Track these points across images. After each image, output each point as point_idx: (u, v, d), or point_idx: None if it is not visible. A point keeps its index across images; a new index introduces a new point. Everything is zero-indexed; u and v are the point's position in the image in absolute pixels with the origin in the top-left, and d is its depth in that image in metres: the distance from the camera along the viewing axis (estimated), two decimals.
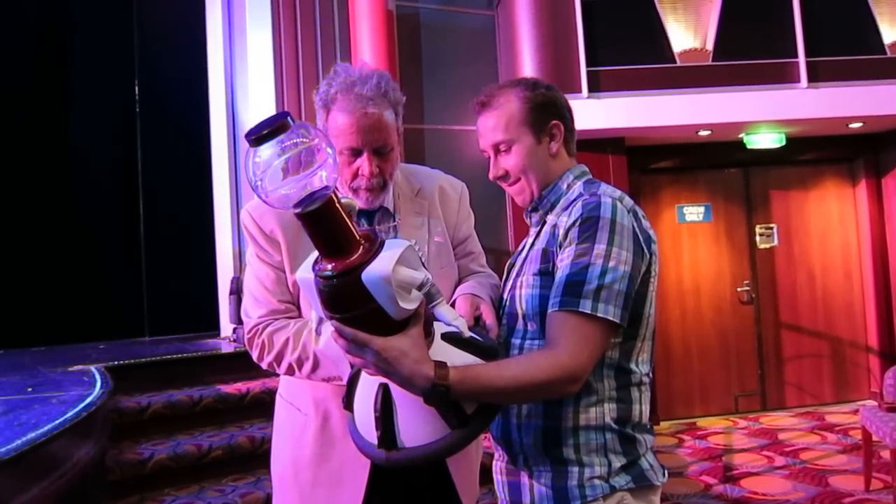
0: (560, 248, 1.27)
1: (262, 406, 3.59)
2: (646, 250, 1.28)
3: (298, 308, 1.55)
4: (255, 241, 1.56)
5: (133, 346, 4.92)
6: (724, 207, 6.07)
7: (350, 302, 1.03)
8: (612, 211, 1.25)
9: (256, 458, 3.32)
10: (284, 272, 1.54)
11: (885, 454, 4.13)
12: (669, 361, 5.86)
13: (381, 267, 1.00)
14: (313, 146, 0.99)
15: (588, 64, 5.06)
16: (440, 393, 1.08)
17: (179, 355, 4.07)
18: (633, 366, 1.31)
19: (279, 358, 1.49)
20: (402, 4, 5.58)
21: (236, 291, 4.73)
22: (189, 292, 5.30)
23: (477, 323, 1.37)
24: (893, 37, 5.25)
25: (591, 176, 1.43)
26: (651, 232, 1.32)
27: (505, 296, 1.43)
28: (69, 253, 5.46)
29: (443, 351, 1.14)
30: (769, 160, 5.94)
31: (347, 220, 1.03)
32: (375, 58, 5.19)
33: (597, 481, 1.26)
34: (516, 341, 1.34)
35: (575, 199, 1.31)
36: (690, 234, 6.03)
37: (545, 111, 1.38)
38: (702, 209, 6.05)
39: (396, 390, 1.13)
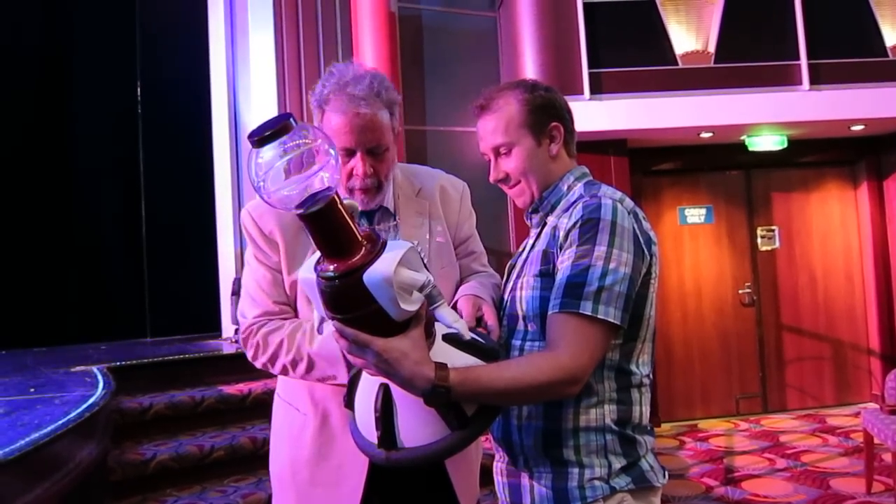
0: (560, 250, 1.27)
1: (264, 407, 3.59)
2: (646, 252, 1.28)
3: (295, 309, 1.56)
4: (254, 241, 1.56)
5: (135, 347, 4.92)
6: (725, 209, 6.07)
7: (351, 303, 1.03)
8: (613, 213, 1.25)
9: (258, 459, 3.32)
10: (281, 273, 1.54)
11: (887, 457, 4.12)
12: (671, 363, 5.85)
13: (382, 269, 1.01)
14: (316, 147, 1.00)
15: (590, 66, 5.07)
16: (440, 394, 1.08)
17: (181, 356, 4.07)
18: (633, 367, 1.31)
19: (273, 359, 1.50)
20: (404, 6, 5.59)
21: (237, 292, 4.73)
22: (190, 293, 5.31)
23: (479, 323, 1.37)
24: (895, 39, 5.26)
25: (591, 177, 1.43)
26: (651, 233, 1.32)
27: (505, 297, 1.43)
28: (71, 254, 5.47)
29: (444, 352, 1.14)
30: (771, 162, 5.94)
31: (350, 222, 1.03)
32: (377, 59, 5.20)
33: (597, 482, 1.27)
34: (517, 342, 1.35)
35: (575, 201, 1.31)
36: (692, 235, 6.03)
37: (544, 113, 1.39)
38: (703, 211, 6.05)
39: (397, 391, 1.13)
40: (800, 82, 5.15)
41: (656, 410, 5.62)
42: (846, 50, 5.22)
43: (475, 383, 1.12)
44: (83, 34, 5.78)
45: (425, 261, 1.13)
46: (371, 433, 1.18)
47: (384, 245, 1.05)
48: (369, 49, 5.21)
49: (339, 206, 1.02)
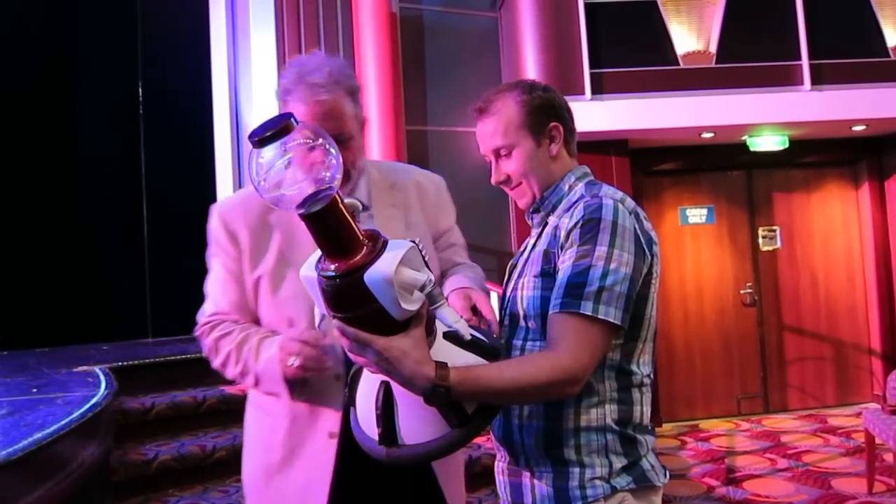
0: (561, 250, 1.28)
1: None
2: (647, 252, 1.28)
3: (249, 311, 1.56)
4: (216, 240, 1.58)
5: (136, 347, 4.92)
6: (726, 210, 6.07)
7: (352, 302, 1.04)
8: (614, 213, 1.25)
9: None
10: (240, 274, 1.55)
11: (888, 457, 4.12)
12: (672, 363, 5.86)
13: (383, 268, 1.00)
14: (317, 147, 1.00)
15: (591, 66, 5.07)
16: (440, 393, 1.08)
17: (183, 356, 4.07)
18: (634, 367, 1.32)
19: (224, 366, 1.53)
20: (405, 6, 5.60)
21: None
22: (192, 293, 5.29)
23: (474, 312, 1.37)
24: None
25: (592, 177, 1.43)
26: (653, 233, 1.32)
27: (506, 296, 1.44)
28: (72, 254, 5.47)
29: (445, 350, 1.15)
30: (772, 163, 5.94)
31: (351, 221, 1.03)
32: (378, 59, 5.20)
33: (598, 482, 1.27)
34: (518, 342, 1.35)
35: (577, 201, 1.31)
36: (693, 236, 6.03)
37: (543, 113, 1.39)
38: (705, 211, 6.05)
39: (398, 388, 1.13)
40: (801, 82, 5.14)
41: (657, 410, 5.62)
42: (847, 50, 5.22)
43: (475, 382, 1.12)
44: (85, 34, 5.79)
45: (426, 258, 1.14)
46: (372, 429, 1.19)
47: (385, 244, 1.05)
48: (370, 49, 5.21)
49: (341, 205, 1.02)
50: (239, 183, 5.24)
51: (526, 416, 1.32)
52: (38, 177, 5.46)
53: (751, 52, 5.21)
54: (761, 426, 5.55)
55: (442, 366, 1.09)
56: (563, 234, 1.28)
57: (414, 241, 1.11)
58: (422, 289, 1.05)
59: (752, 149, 5.69)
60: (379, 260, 1.01)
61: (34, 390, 3.01)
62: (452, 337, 1.17)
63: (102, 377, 3.24)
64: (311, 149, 1.00)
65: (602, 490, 1.26)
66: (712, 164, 5.96)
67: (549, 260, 1.30)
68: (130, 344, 5.18)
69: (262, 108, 5.14)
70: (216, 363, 1.55)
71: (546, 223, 1.39)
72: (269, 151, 0.97)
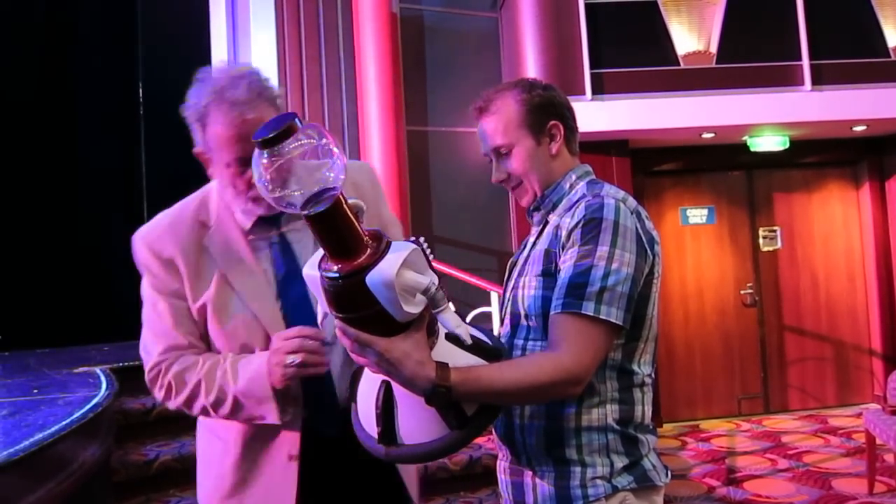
0: (563, 249, 1.27)
1: None
2: (649, 252, 1.28)
3: (207, 339, 1.45)
4: (150, 270, 1.45)
5: (137, 348, 4.91)
6: (727, 210, 6.07)
7: (354, 303, 1.04)
8: (615, 212, 1.25)
9: None
10: (185, 301, 1.43)
11: (889, 458, 4.12)
12: (672, 364, 5.85)
13: (385, 271, 1.00)
14: (321, 147, 0.99)
15: (592, 66, 5.07)
16: (441, 394, 1.09)
17: None
18: (635, 367, 1.32)
19: (191, 401, 1.40)
20: (405, 7, 5.60)
21: None
22: None
23: None
24: None
25: (593, 176, 1.43)
26: (654, 233, 1.32)
27: (507, 295, 1.44)
28: (73, 255, 5.47)
29: (447, 351, 1.15)
30: (773, 163, 5.94)
31: (354, 221, 1.03)
32: (379, 60, 5.21)
33: (599, 481, 1.27)
34: (519, 342, 1.35)
35: (578, 200, 1.31)
36: (694, 236, 6.03)
37: (543, 112, 1.38)
38: (705, 211, 6.05)
39: (398, 388, 1.14)
40: (802, 83, 5.14)
41: (658, 411, 5.62)
42: (848, 50, 5.22)
43: (476, 383, 1.12)
44: (84, 34, 5.79)
45: (430, 257, 1.13)
46: (372, 428, 1.19)
47: (389, 245, 1.04)
48: (371, 50, 5.21)
49: (345, 205, 1.02)
50: None
51: (528, 416, 1.32)
52: (39, 177, 5.46)
53: (751, 52, 5.21)
54: (762, 426, 5.55)
55: (442, 366, 1.10)
56: (564, 233, 1.28)
57: (418, 242, 1.11)
58: (424, 292, 1.05)
59: (752, 149, 5.69)
60: (381, 262, 1.01)
61: (35, 391, 3.02)
62: (454, 338, 1.17)
63: (103, 378, 3.24)
64: (314, 149, 0.98)
65: (603, 489, 1.27)
66: (713, 164, 5.96)
67: (550, 259, 1.30)
68: (131, 345, 5.15)
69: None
70: (178, 401, 1.41)
71: (547, 221, 1.39)
72: (273, 152, 0.97)
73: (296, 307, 1.43)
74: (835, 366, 6.05)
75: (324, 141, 1.00)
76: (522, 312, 1.34)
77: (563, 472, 1.29)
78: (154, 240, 1.46)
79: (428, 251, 1.14)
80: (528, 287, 1.33)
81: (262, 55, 5.30)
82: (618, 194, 1.31)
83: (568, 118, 1.42)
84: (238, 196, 1.41)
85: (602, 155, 5.27)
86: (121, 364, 3.78)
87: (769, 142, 5.64)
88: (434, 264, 1.18)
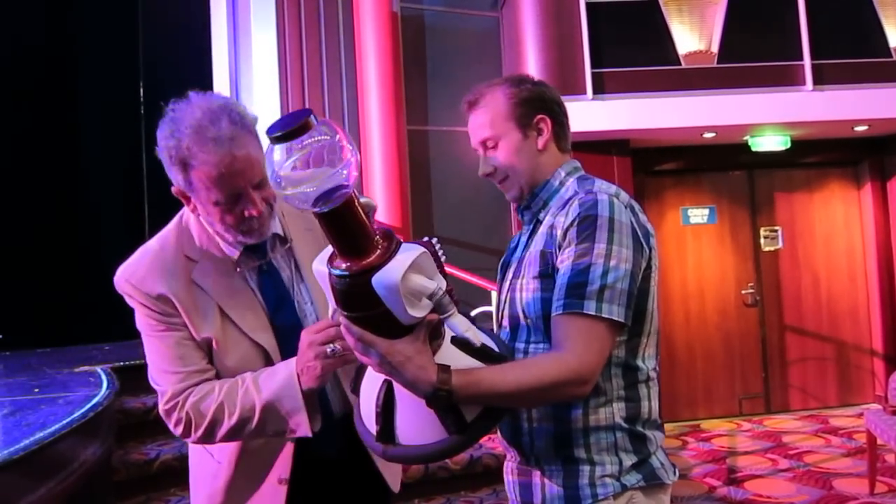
0: (559, 249, 1.26)
1: None
2: (644, 245, 1.27)
3: (212, 363, 1.41)
4: (144, 306, 1.40)
5: (138, 348, 4.90)
6: (728, 210, 6.07)
7: (360, 303, 1.03)
8: (610, 208, 1.24)
9: None
10: (187, 329, 1.38)
11: (890, 458, 4.12)
12: (673, 363, 5.85)
13: (392, 273, 1.00)
14: (335, 144, 0.98)
15: (593, 66, 5.06)
16: (442, 397, 1.08)
17: None
18: (639, 363, 1.31)
19: (212, 429, 1.35)
20: (406, 6, 5.59)
21: None
22: None
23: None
24: None
25: (583, 172, 1.42)
26: (649, 226, 1.32)
27: (503, 297, 1.42)
28: (74, 254, 5.47)
29: (451, 355, 1.14)
30: (774, 163, 5.93)
31: (365, 221, 1.02)
32: (379, 59, 5.20)
33: (608, 480, 1.27)
34: (520, 345, 1.34)
35: (571, 198, 1.30)
36: (695, 236, 6.02)
37: (531, 106, 1.37)
38: (706, 211, 6.04)
39: (399, 388, 1.13)
40: (803, 82, 5.14)
41: (659, 410, 5.61)
42: (850, 50, 5.21)
43: (477, 386, 1.11)
44: (85, 34, 5.79)
45: (443, 259, 1.13)
46: (372, 424, 1.19)
47: (399, 246, 1.04)
48: (371, 49, 5.21)
49: (357, 204, 1.01)
50: None
51: (535, 420, 1.31)
52: (40, 177, 5.46)
53: (753, 51, 5.20)
54: (763, 426, 5.54)
55: (444, 369, 1.09)
56: (559, 232, 1.27)
57: (431, 244, 1.10)
58: (430, 297, 1.04)
59: (753, 149, 5.69)
60: (389, 264, 1.00)
61: (36, 390, 3.02)
62: (460, 343, 1.16)
63: (104, 377, 3.24)
64: (329, 146, 0.97)
65: (612, 488, 1.26)
66: (714, 164, 5.96)
67: (546, 261, 1.29)
68: (132, 344, 5.16)
69: (263, 107, 5.14)
70: (198, 434, 1.35)
71: (538, 221, 1.38)
72: (287, 148, 0.96)
73: (289, 332, 1.41)
74: (836, 366, 6.05)
75: (337, 138, 0.99)
76: (521, 315, 1.32)
77: (572, 472, 1.28)
78: (140, 279, 1.40)
79: (441, 253, 1.13)
80: (525, 289, 1.32)
81: (263, 55, 5.30)
82: (610, 189, 1.30)
83: (558, 114, 1.40)
84: (228, 231, 1.38)
85: (603, 154, 5.26)
86: (122, 363, 3.79)
87: (770, 141, 5.64)
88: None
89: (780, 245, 6.07)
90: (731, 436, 5.34)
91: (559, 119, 1.40)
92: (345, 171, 0.98)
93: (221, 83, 5.41)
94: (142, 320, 1.43)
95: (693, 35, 5.22)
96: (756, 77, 5.14)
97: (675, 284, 5.87)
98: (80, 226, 5.59)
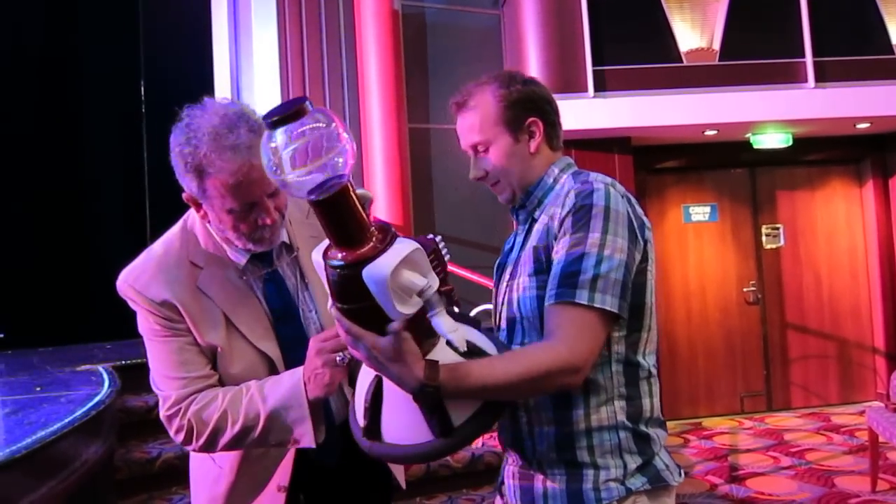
0: (556, 240, 1.25)
1: None
2: (640, 237, 1.25)
3: (215, 368, 1.40)
4: (149, 311, 1.38)
5: (139, 347, 4.90)
6: (730, 207, 6.06)
7: (350, 295, 1.02)
8: (606, 198, 1.22)
9: None
10: (191, 335, 1.37)
11: (892, 455, 4.12)
12: (675, 361, 5.84)
13: (381, 267, 0.99)
14: (332, 131, 0.97)
15: (594, 63, 5.05)
16: (429, 393, 1.06)
17: None
18: (640, 359, 1.29)
19: (214, 436, 1.33)
20: (407, 4, 5.59)
21: None
22: None
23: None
24: None
25: (576, 168, 1.39)
26: (645, 218, 1.29)
27: (499, 299, 1.41)
28: (76, 253, 5.47)
29: (445, 355, 1.13)
30: (776, 160, 5.92)
31: (360, 211, 1.01)
32: (381, 57, 5.20)
33: (612, 484, 1.24)
34: (517, 347, 1.32)
35: (568, 192, 1.28)
36: (696, 234, 6.01)
37: (522, 108, 1.34)
38: (708, 209, 6.03)
39: (388, 386, 1.13)
40: (805, 80, 5.13)
41: (660, 409, 5.61)
42: (852, 47, 5.19)
43: (465, 380, 1.09)
44: (86, 33, 5.78)
45: (447, 256, 1.12)
46: (361, 418, 1.19)
47: (394, 239, 1.03)
48: (372, 47, 5.21)
49: (352, 194, 1.00)
50: None
51: (535, 423, 1.29)
52: (41, 176, 5.46)
53: (754, 49, 5.19)
54: (764, 424, 5.54)
55: (431, 365, 1.07)
56: (556, 224, 1.25)
57: (434, 242, 1.09)
58: (419, 293, 1.03)
59: (755, 146, 5.68)
60: (381, 257, 0.99)
61: (38, 389, 3.02)
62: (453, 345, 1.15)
63: (106, 376, 3.24)
64: (325, 134, 0.96)
65: (617, 492, 1.24)
66: (715, 161, 5.95)
67: (539, 257, 1.27)
68: (134, 343, 5.16)
69: (264, 106, 5.13)
70: (199, 442, 1.34)
71: (534, 219, 1.36)
72: (282, 134, 0.95)
73: (293, 342, 1.41)
74: (838, 363, 6.04)
75: (333, 126, 0.97)
76: (518, 315, 1.31)
77: (576, 476, 1.26)
78: (145, 285, 1.38)
79: (445, 251, 1.12)
80: (521, 288, 1.30)
81: (264, 53, 5.30)
82: (606, 179, 1.28)
83: (549, 113, 1.37)
84: (239, 238, 1.36)
85: (604, 152, 5.25)
86: (123, 362, 3.79)
87: (772, 139, 5.62)
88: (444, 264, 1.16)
89: (782, 243, 6.07)
90: (732, 433, 5.34)
91: (550, 119, 1.37)
92: (340, 160, 0.97)
93: (222, 82, 5.41)
94: (145, 325, 1.41)
95: (695, 32, 5.21)
96: (758, 74, 5.13)
97: (676, 282, 5.87)
98: (82, 225, 5.60)
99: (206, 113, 1.31)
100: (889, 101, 5.12)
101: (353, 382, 1.26)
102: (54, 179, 5.53)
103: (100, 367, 3.49)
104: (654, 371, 1.33)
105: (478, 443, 3.63)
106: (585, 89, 5.01)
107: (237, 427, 1.32)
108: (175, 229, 1.48)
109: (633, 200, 1.29)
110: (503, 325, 1.37)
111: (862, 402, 5.90)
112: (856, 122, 5.42)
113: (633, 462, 1.26)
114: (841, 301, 6.07)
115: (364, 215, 1.02)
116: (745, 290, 5.99)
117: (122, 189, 5.87)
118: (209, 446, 1.36)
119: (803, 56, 5.13)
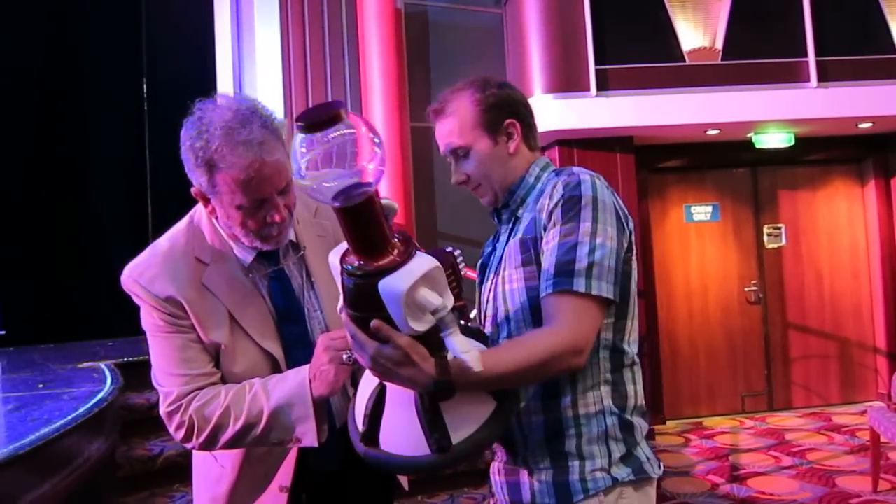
0: (545, 231, 1.27)
1: None
2: (625, 226, 1.29)
3: (218, 366, 1.39)
4: (153, 307, 1.37)
5: (142, 344, 4.92)
6: (731, 207, 6.05)
7: (363, 304, 1.02)
8: (593, 188, 1.26)
9: None
10: (194, 332, 1.36)
11: (893, 455, 4.12)
12: (676, 361, 5.85)
13: (398, 282, 0.97)
14: (363, 138, 0.96)
15: (596, 62, 5.04)
16: (444, 387, 1.07)
17: None
18: (625, 346, 1.32)
19: (215, 433, 1.33)
20: (410, 3, 5.59)
21: None
22: None
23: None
24: None
25: (555, 166, 1.42)
26: (626, 210, 1.34)
27: (484, 297, 1.42)
28: (78, 251, 5.49)
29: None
30: (778, 160, 5.91)
31: (383, 222, 1.00)
32: (383, 56, 5.20)
33: (598, 474, 1.27)
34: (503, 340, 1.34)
35: (555, 184, 1.29)
36: (698, 233, 6.01)
37: (499, 111, 1.37)
38: (710, 208, 6.03)
39: (390, 398, 1.13)
40: (807, 79, 5.12)
41: (661, 408, 5.62)
42: (854, 47, 5.19)
43: (475, 372, 1.09)
44: (89, 32, 5.79)
45: (463, 270, 1.11)
46: (360, 423, 1.20)
47: (413, 253, 1.01)
48: (375, 45, 5.21)
49: (377, 204, 0.99)
50: None
51: (524, 413, 1.31)
52: (44, 174, 5.47)
53: (757, 48, 5.18)
54: (765, 424, 5.54)
55: (440, 362, 1.08)
56: (544, 215, 1.28)
57: (452, 255, 1.07)
58: (433, 312, 1.02)
59: (757, 146, 5.67)
60: (399, 271, 0.98)
61: (40, 386, 3.03)
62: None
63: (108, 373, 3.25)
64: (357, 140, 0.95)
65: (603, 482, 1.27)
66: (717, 161, 5.94)
67: (527, 247, 1.30)
68: (136, 340, 5.18)
69: (266, 105, 5.14)
70: (201, 438, 1.33)
71: (517, 218, 1.38)
72: (314, 138, 0.94)
73: (296, 341, 1.41)
74: (839, 363, 6.04)
75: (366, 132, 0.97)
76: (505, 309, 1.33)
77: (562, 467, 1.29)
78: (150, 280, 1.37)
79: (462, 265, 1.11)
80: (507, 282, 1.32)
81: (266, 51, 5.30)
82: (590, 172, 1.31)
83: (525, 115, 1.41)
84: (247, 235, 1.35)
85: (606, 151, 5.25)
86: (125, 359, 3.81)
87: (774, 139, 5.62)
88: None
89: (784, 242, 6.06)
90: (733, 433, 5.34)
91: (527, 121, 1.41)
92: (370, 165, 0.96)
93: (225, 80, 5.41)
94: (148, 320, 1.40)
95: (697, 32, 5.21)
96: (760, 74, 5.13)
97: (678, 281, 5.87)
98: (84, 222, 5.61)
99: (218, 107, 1.30)
100: (891, 101, 5.12)
101: (355, 384, 1.27)
102: (57, 177, 5.54)
103: (102, 365, 3.50)
104: (636, 359, 1.36)
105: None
106: (588, 88, 5.00)
107: (239, 424, 1.32)
108: (181, 225, 1.47)
109: (615, 192, 1.33)
110: (488, 322, 1.39)
111: (863, 401, 5.89)
112: (858, 121, 5.41)
113: (618, 450, 1.29)
114: (842, 301, 6.06)
115: (387, 226, 1.01)
116: (746, 289, 5.99)
117: (125, 187, 5.88)
118: (210, 444, 1.36)
119: (806, 56, 5.12)
